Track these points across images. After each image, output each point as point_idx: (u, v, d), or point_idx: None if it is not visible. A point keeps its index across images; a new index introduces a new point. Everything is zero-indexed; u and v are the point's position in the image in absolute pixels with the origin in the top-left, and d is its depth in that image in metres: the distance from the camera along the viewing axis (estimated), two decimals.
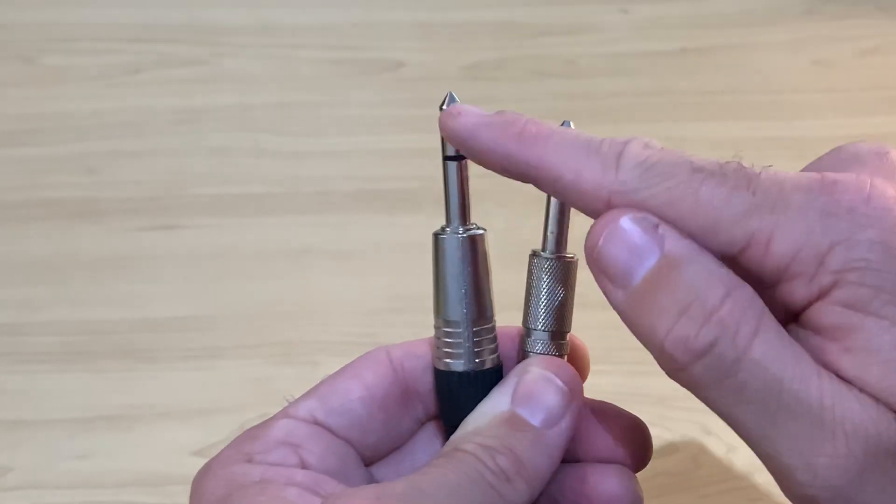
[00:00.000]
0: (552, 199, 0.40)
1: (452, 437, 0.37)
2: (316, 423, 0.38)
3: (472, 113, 0.36)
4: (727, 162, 0.33)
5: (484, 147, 0.35)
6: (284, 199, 0.80)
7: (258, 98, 0.88)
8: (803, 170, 0.37)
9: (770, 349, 0.32)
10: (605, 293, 0.34)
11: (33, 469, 0.65)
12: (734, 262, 0.33)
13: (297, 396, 0.39)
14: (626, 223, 0.33)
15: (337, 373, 0.40)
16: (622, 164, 0.33)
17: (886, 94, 0.89)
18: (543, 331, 0.40)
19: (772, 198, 0.32)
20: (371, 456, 0.40)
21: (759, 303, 0.33)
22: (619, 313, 0.34)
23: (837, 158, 0.37)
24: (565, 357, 0.40)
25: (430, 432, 0.41)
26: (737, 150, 0.34)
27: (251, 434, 0.38)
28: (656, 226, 0.33)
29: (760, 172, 0.33)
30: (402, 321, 0.71)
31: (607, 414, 0.40)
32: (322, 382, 0.39)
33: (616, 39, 0.94)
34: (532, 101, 0.88)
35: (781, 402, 0.32)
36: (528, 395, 0.37)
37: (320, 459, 0.37)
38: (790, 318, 0.34)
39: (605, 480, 0.39)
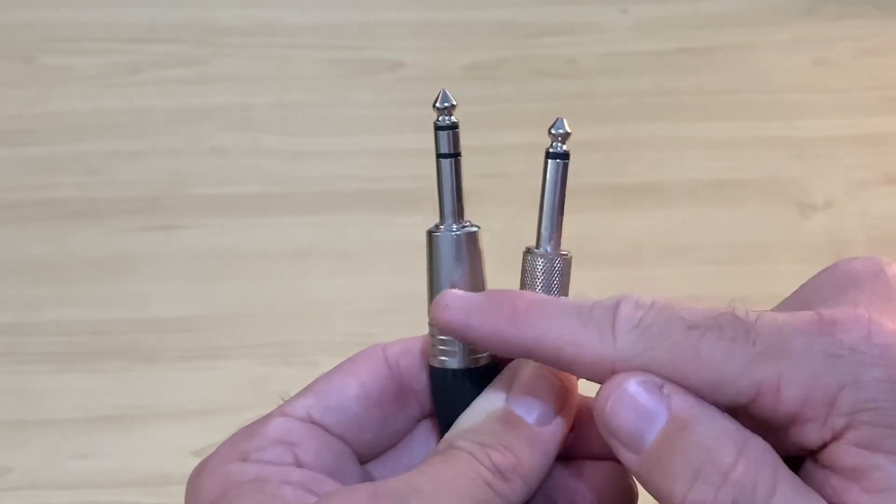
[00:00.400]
0: (546, 195, 0.40)
1: (447, 435, 0.37)
2: (312, 421, 0.38)
3: (460, 302, 0.35)
4: (721, 313, 0.33)
5: (480, 336, 0.35)
6: (284, 199, 0.80)
7: (258, 98, 0.88)
8: (800, 290, 0.37)
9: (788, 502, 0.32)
10: (619, 457, 0.34)
11: (33, 469, 0.65)
12: (744, 411, 0.33)
13: (292, 394, 0.39)
14: (632, 387, 0.33)
15: (332, 370, 0.40)
16: (618, 331, 0.33)
17: (886, 94, 0.89)
18: None
19: (773, 345, 0.32)
20: (367, 454, 0.39)
21: (773, 456, 0.32)
22: (634, 476, 0.34)
23: (833, 279, 0.36)
24: None
25: (426, 430, 0.41)
26: (731, 300, 0.34)
27: (247, 432, 0.38)
28: (661, 387, 0.33)
29: (756, 319, 0.32)
30: (401, 321, 0.71)
31: None
32: (317, 380, 0.39)
33: (616, 39, 0.94)
34: (532, 101, 0.88)
35: None
36: (523, 393, 0.37)
37: (316, 458, 0.37)
38: (806, 454, 0.33)
39: (600, 477, 0.39)
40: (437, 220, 0.40)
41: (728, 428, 0.32)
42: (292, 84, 0.90)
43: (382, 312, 0.73)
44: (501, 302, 0.35)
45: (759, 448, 0.32)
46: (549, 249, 0.40)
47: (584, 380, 0.35)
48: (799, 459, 0.33)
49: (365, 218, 0.79)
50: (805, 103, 0.88)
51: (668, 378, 0.33)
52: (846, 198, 0.81)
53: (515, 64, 0.92)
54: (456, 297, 0.36)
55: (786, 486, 0.32)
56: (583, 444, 0.39)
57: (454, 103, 0.38)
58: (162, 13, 0.95)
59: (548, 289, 0.39)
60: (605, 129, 0.85)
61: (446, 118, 0.38)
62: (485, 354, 0.39)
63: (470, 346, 0.38)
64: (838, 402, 0.31)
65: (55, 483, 0.64)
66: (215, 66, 0.91)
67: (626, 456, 0.34)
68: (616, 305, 0.34)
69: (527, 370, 0.38)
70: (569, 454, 0.39)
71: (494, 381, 0.38)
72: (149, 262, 0.76)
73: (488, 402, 0.37)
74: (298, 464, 0.37)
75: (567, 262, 0.40)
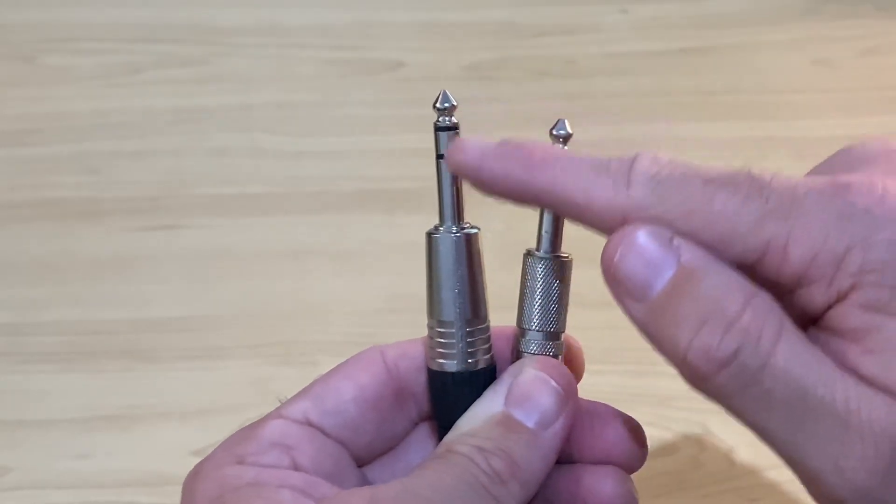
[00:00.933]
0: None
1: (446, 439, 0.37)
2: (309, 424, 0.38)
3: (477, 145, 0.36)
4: (737, 171, 0.33)
5: (493, 178, 0.35)
6: (284, 199, 0.80)
7: (258, 98, 0.88)
8: (813, 170, 0.37)
9: (793, 355, 0.32)
10: (623, 308, 0.34)
11: (33, 469, 0.65)
12: (751, 270, 0.33)
13: (289, 397, 0.39)
14: (642, 237, 0.33)
15: (330, 373, 0.40)
16: (633, 180, 0.34)
17: (886, 94, 0.89)
18: (538, 331, 0.39)
19: (786, 203, 0.32)
20: (364, 457, 0.39)
21: (779, 309, 0.33)
22: (638, 328, 0.34)
23: (847, 158, 0.37)
24: (560, 357, 0.40)
25: (424, 433, 0.41)
26: (745, 162, 0.35)
27: (243, 435, 0.37)
28: (671, 238, 0.33)
29: (771, 179, 0.33)
30: (401, 321, 0.71)
31: (602, 415, 0.40)
32: (315, 382, 0.39)
33: (616, 39, 0.94)
34: (532, 101, 0.88)
35: (807, 407, 0.32)
36: (523, 397, 0.37)
37: (313, 461, 0.37)
38: (808, 322, 0.34)
39: (599, 482, 0.39)
40: (436, 220, 0.40)
41: (736, 280, 0.33)
42: (292, 84, 0.90)
43: (382, 312, 0.73)
44: (518, 148, 0.35)
45: (766, 300, 0.33)
46: (549, 252, 0.40)
47: (596, 231, 0.35)
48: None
49: (365, 218, 0.79)
50: (805, 103, 0.88)
51: (680, 231, 0.33)
52: None
53: (515, 64, 0.92)
54: (472, 140, 0.36)
55: (791, 337, 0.32)
56: (583, 449, 0.39)
57: (454, 104, 0.38)
58: (162, 13, 0.95)
59: (548, 292, 0.39)
60: (605, 129, 0.85)
61: (446, 119, 0.38)
62: (484, 357, 0.39)
63: (483, 190, 0.37)
64: (846, 262, 0.32)
65: (55, 483, 0.64)
66: (215, 66, 0.91)
67: (632, 306, 0.34)
68: (633, 159, 0.34)
69: (526, 374, 0.38)
70: (568, 458, 0.39)
71: (493, 384, 0.38)
72: (149, 262, 0.76)
73: (487, 406, 0.37)
74: (296, 467, 0.37)
75: (567, 265, 0.40)
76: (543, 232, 0.40)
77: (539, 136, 0.38)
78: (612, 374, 0.67)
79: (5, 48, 0.92)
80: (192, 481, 0.36)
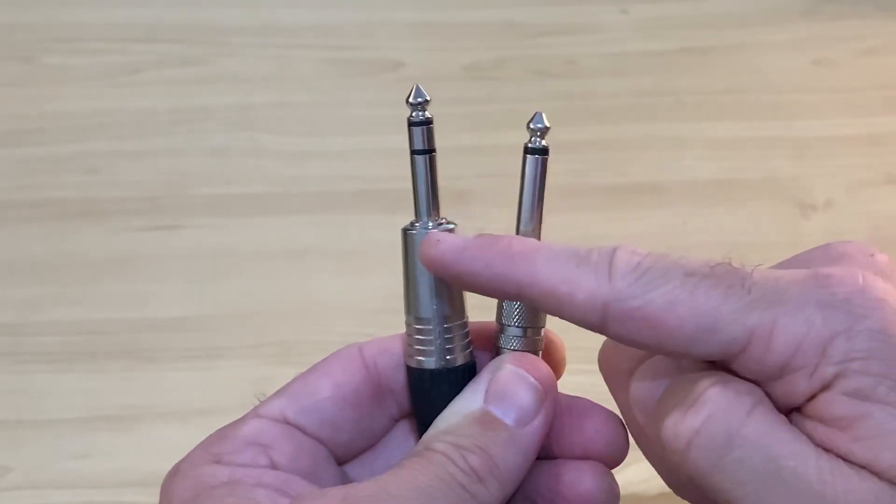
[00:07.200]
0: (524, 191, 0.39)
1: (424, 436, 0.36)
2: (286, 422, 0.38)
3: (452, 238, 0.36)
4: (717, 263, 0.33)
5: (471, 270, 0.35)
6: (284, 199, 0.80)
7: (258, 98, 0.88)
8: (789, 262, 0.37)
9: (766, 428, 0.32)
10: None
11: (33, 469, 0.65)
12: (735, 360, 0.33)
13: (268, 395, 0.39)
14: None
15: (308, 371, 0.39)
16: (614, 272, 0.34)
17: (886, 94, 0.89)
18: (517, 327, 0.39)
19: (768, 294, 0.32)
20: (344, 454, 0.39)
21: (758, 390, 0.33)
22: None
23: (826, 255, 0.37)
24: (540, 353, 0.40)
25: (405, 430, 0.40)
26: (727, 252, 0.35)
27: (220, 434, 0.37)
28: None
29: (752, 271, 0.33)
30: (401, 321, 0.70)
31: (582, 409, 0.40)
32: (293, 381, 0.39)
33: (616, 39, 0.94)
34: (532, 101, 0.88)
35: (781, 479, 0.32)
36: (501, 393, 0.36)
37: (291, 459, 0.37)
38: (791, 411, 0.34)
39: (580, 477, 0.38)
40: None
41: (706, 370, 0.35)
42: (292, 84, 0.90)
43: (382, 312, 0.73)
44: (496, 241, 0.35)
45: (742, 383, 0.34)
46: None
47: (575, 323, 0.35)
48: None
49: (365, 218, 0.79)
50: (805, 103, 0.88)
51: (662, 323, 0.33)
52: (846, 198, 0.80)
53: (515, 64, 0.92)
54: (447, 235, 0.36)
55: (766, 412, 0.33)
56: (563, 444, 0.39)
57: (428, 98, 0.37)
58: (162, 13, 0.95)
59: None
60: (605, 129, 0.85)
61: (420, 114, 0.38)
62: (462, 354, 0.39)
63: (461, 284, 0.37)
64: (829, 351, 0.32)
65: (55, 483, 0.64)
66: (215, 66, 0.91)
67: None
68: (613, 250, 0.34)
69: (505, 370, 0.37)
70: (549, 454, 0.39)
71: (472, 381, 0.38)
72: (149, 262, 0.76)
73: (466, 403, 0.37)
74: (273, 466, 0.36)
75: None
76: (522, 225, 0.39)
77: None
78: None
79: (5, 48, 0.92)
80: (170, 481, 0.36)
